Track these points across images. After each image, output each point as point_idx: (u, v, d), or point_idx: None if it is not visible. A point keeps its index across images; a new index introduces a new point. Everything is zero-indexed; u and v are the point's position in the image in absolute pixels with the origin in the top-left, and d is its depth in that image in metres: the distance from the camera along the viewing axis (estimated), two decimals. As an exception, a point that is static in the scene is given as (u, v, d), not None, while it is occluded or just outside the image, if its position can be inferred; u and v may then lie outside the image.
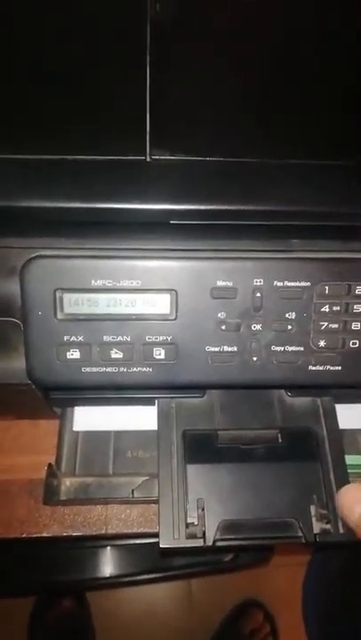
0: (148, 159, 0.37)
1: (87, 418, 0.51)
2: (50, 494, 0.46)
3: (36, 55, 0.41)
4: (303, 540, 0.43)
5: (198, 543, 0.42)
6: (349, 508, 0.39)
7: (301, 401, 0.49)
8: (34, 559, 0.82)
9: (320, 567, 1.10)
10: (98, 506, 0.50)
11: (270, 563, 1.07)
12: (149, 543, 0.72)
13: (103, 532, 0.50)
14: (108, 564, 0.84)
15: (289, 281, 0.38)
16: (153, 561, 0.81)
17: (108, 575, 0.84)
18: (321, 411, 0.49)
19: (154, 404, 0.48)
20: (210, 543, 0.42)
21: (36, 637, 1.05)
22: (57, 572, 0.84)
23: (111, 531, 0.50)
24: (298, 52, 0.45)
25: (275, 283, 0.38)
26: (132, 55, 0.42)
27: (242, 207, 0.37)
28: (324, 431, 0.48)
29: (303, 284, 0.38)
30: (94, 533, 0.49)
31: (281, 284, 0.38)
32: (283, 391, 0.49)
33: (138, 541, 0.76)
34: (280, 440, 0.47)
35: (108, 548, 0.84)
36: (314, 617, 1.07)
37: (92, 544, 0.81)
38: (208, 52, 0.43)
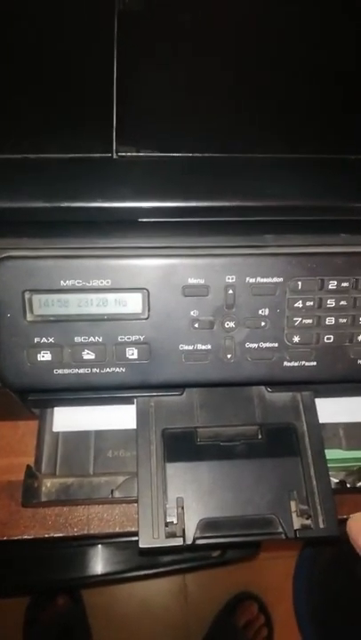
0: (114, 156, 0.36)
1: (67, 418, 0.51)
2: (28, 496, 0.45)
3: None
4: (283, 537, 0.43)
5: (178, 542, 0.42)
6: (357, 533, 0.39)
7: (281, 396, 0.49)
8: (26, 559, 0.82)
9: (309, 561, 1.11)
10: (80, 506, 0.50)
11: (262, 555, 1.08)
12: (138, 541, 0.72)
13: (85, 532, 0.49)
14: (99, 562, 0.84)
15: (261, 277, 0.38)
16: (143, 558, 0.82)
17: (100, 573, 0.84)
18: (301, 406, 0.49)
19: (133, 403, 0.48)
20: (190, 542, 0.42)
21: (31, 636, 1.05)
22: (50, 572, 0.85)
23: (93, 531, 0.49)
24: (267, 45, 0.44)
25: (247, 279, 0.38)
26: (98, 50, 0.41)
27: (211, 203, 0.36)
28: (305, 426, 0.47)
29: (276, 279, 0.38)
30: (76, 534, 0.49)
31: (253, 280, 0.38)
32: (263, 387, 0.49)
33: (127, 539, 0.76)
34: (260, 436, 0.47)
35: (99, 546, 0.84)
36: (305, 612, 1.08)
37: (83, 543, 0.81)
38: (176, 46, 0.42)
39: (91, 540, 0.80)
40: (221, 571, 1.13)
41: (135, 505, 0.50)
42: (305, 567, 1.11)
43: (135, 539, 0.42)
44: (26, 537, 0.48)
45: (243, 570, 1.15)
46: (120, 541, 0.80)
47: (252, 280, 0.38)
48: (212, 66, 0.41)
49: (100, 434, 0.51)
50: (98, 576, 0.83)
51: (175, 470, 0.45)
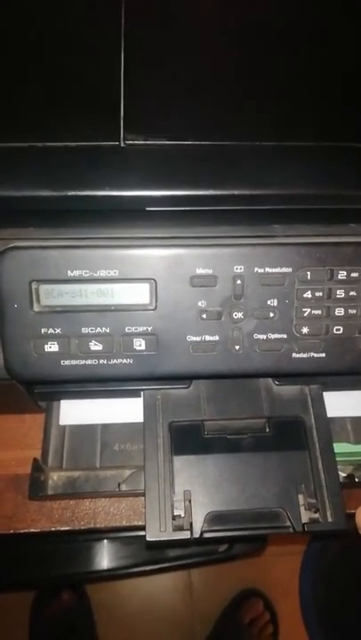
0: (122, 144, 0.36)
1: (74, 411, 0.51)
2: (35, 489, 0.45)
3: (3, 37, 0.40)
4: (291, 530, 0.42)
5: (185, 535, 0.41)
6: None
7: (289, 389, 0.48)
8: (30, 554, 0.82)
9: (315, 556, 1.10)
10: (86, 500, 0.50)
11: (268, 551, 1.07)
12: (144, 535, 0.72)
13: (92, 525, 0.49)
14: (104, 557, 0.84)
15: (270, 267, 0.37)
16: (149, 553, 0.81)
17: (105, 568, 0.84)
18: (309, 399, 0.48)
19: (140, 396, 0.48)
20: (197, 535, 0.42)
21: (36, 631, 1.05)
22: (54, 567, 0.85)
23: (100, 524, 0.49)
24: (274, 31, 0.44)
25: (255, 269, 0.37)
26: (105, 37, 0.40)
27: (219, 192, 0.36)
28: (312, 419, 0.47)
29: (285, 269, 0.37)
30: (83, 527, 0.49)
31: (262, 270, 0.37)
32: (270, 380, 0.49)
33: (133, 534, 0.76)
34: (268, 429, 0.46)
35: (105, 541, 0.83)
36: (311, 609, 1.07)
37: (88, 537, 0.81)
38: (183, 33, 0.42)
39: (96, 534, 0.80)
40: (227, 567, 1.13)
41: (142, 499, 0.50)
42: (311, 562, 1.11)
43: (142, 533, 0.42)
44: (32, 530, 0.48)
45: (248, 566, 1.15)
46: (126, 536, 0.79)
47: (260, 270, 0.37)
48: (220, 53, 0.41)
49: (106, 427, 0.51)
50: (103, 571, 0.83)
51: (182, 463, 0.44)
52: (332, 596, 1.03)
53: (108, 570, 0.83)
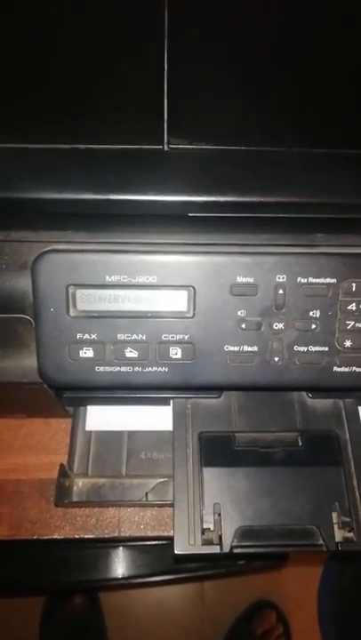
0: (165, 148, 0.35)
1: (100, 417, 0.50)
2: (62, 495, 0.44)
3: (50, 39, 0.39)
4: (325, 549, 0.41)
5: (215, 550, 0.40)
6: None
7: (323, 403, 0.47)
8: (45, 559, 0.81)
9: (335, 573, 1.08)
10: (111, 507, 0.49)
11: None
12: (162, 544, 0.71)
13: (116, 534, 0.48)
14: (120, 565, 0.83)
15: (313, 277, 0.36)
16: (165, 562, 0.80)
17: (120, 576, 0.82)
18: (343, 413, 0.47)
19: (169, 404, 0.47)
20: (227, 550, 0.41)
21: (47, 633, 1.05)
22: (69, 573, 0.84)
23: (124, 533, 0.48)
24: (321, 36, 0.43)
25: (298, 279, 0.36)
26: (149, 39, 0.40)
27: (264, 199, 0.35)
28: (347, 434, 0.46)
29: (328, 280, 0.36)
30: (107, 536, 0.48)
31: (305, 280, 0.36)
32: (303, 392, 0.47)
33: (150, 542, 0.75)
34: (300, 443, 0.45)
35: (121, 548, 0.82)
36: (330, 624, 1.05)
37: (104, 544, 0.80)
38: (229, 35, 0.41)
39: (113, 541, 0.79)
40: (240, 577, 1.11)
41: (167, 509, 0.49)
42: (331, 577, 1.09)
43: (164, 542, 0.41)
44: (56, 537, 0.48)
45: (262, 577, 1.13)
46: (143, 544, 0.78)
47: (303, 280, 0.36)
48: (268, 55, 0.40)
49: (132, 434, 0.50)
50: (117, 579, 0.82)
51: (212, 475, 0.43)
52: (353, 613, 1.00)
53: (123, 578, 0.81)
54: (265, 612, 1.12)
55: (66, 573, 0.82)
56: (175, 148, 0.35)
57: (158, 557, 0.79)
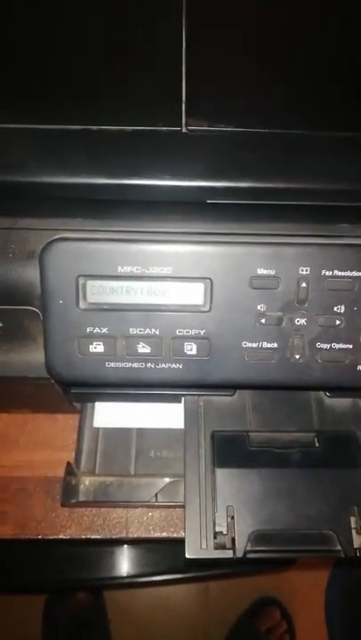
0: (183, 130, 0.33)
1: (108, 414, 0.48)
2: (68, 495, 0.43)
3: (66, 17, 0.37)
4: (342, 555, 0.40)
5: (228, 554, 0.39)
6: None
7: (341, 402, 0.45)
8: (48, 556, 0.80)
9: (344, 574, 1.07)
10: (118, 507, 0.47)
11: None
12: (167, 543, 0.69)
13: (124, 535, 0.47)
14: (125, 563, 0.82)
15: (338, 270, 0.34)
16: (171, 561, 0.79)
17: (124, 574, 0.81)
18: (363, 413, 0.45)
19: (180, 402, 0.45)
20: (240, 555, 0.39)
21: (50, 630, 1.04)
22: (72, 570, 0.82)
23: (132, 534, 0.47)
24: (348, 13, 0.40)
25: (322, 272, 0.34)
26: (167, 17, 0.37)
27: (287, 185, 0.33)
28: (366, 435, 0.44)
29: (355, 273, 0.34)
30: (115, 537, 0.46)
31: (329, 273, 0.34)
32: (321, 391, 0.45)
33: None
34: (317, 444, 0.44)
35: (125, 546, 0.81)
36: (337, 624, 1.04)
37: (109, 543, 0.79)
38: (248, 15, 0.39)
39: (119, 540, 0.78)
40: (246, 576, 1.10)
41: (177, 510, 0.47)
42: (340, 577, 1.07)
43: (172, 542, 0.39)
44: (62, 537, 0.46)
45: (267, 575, 1.12)
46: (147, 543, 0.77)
47: (328, 273, 0.34)
48: (292, 34, 0.37)
49: (141, 432, 0.49)
50: (123, 578, 0.80)
51: (225, 476, 0.42)
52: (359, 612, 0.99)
53: (127, 577, 0.80)
54: (269, 608, 1.11)
55: (69, 571, 0.80)
56: (194, 130, 0.33)
57: (164, 556, 0.78)
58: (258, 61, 0.37)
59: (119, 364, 0.35)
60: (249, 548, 0.39)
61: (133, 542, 0.78)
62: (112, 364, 0.35)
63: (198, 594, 1.15)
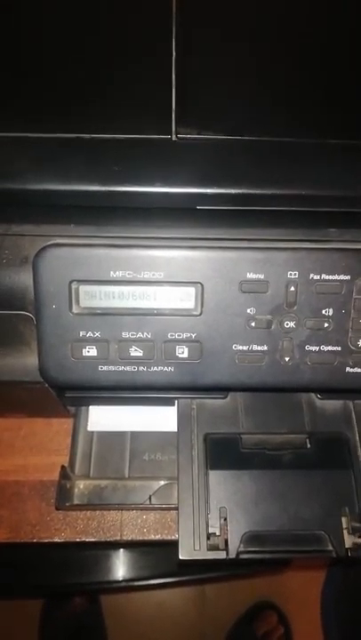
0: (173, 138, 0.34)
1: (102, 417, 0.48)
2: (63, 498, 0.43)
3: (56, 26, 0.38)
4: (334, 555, 0.40)
5: (220, 555, 0.39)
6: None
7: (332, 404, 0.46)
8: (44, 560, 0.80)
9: (340, 574, 1.07)
10: (112, 510, 0.47)
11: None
12: (163, 547, 0.69)
13: (118, 538, 0.47)
14: (120, 567, 0.82)
15: (326, 274, 0.35)
16: (166, 565, 0.79)
17: (120, 578, 0.81)
18: (353, 415, 0.45)
19: (173, 405, 0.45)
20: (233, 555, 0.39)
21: (47, 634, 1.04)
22: (68, 575, 0.82)
23: (127, 537, 0.47)
24: (337, 21, 0.41)
25: (311, 276, 0.35)
26: (157, 26, 0.38)
27: (275, 191, 0.33)
28: (357, 437, 0.45)
29: (342, 277, 0.35)
30: (109, 540, 0.47)
31: (318, 277, 0.35)
32: (312, 393, 0.46)
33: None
34: (309, 445, 0.44)
35: (121, 550, 0.81)
36: (334, 624, 1.04)
37: (105, 546, 0.79)
38: (238, 22, 0.39)
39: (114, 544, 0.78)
40: (242, 579, 1.10)
41: (171, 512, 0.47)
42: (336, 578, 1.08)
43: (166, 544, 0.40)
44: (56, 540, 0.46)
45: (263, 578, 1.12)
46: (143, 547, 0.77)
47: (316, 277, 0.35)
48: (283, 40, 0.38)
49: (135, 435, 0.49)
50: (119, 582, 0.80)
51: (218, 478, 0.42)
52: (357, 616, 0.99)
53: (123, 580, 0.80)
54: (266, 613, 1.11)
55: (66, 575, 0.80)
56: (184, 138, 0.34)
57: (160, 560, 0.78)
58: (247, 70, 0.38)
59: (112, 368, 0.36)
60: (242, 548, 0.40)
61: (128, 545, 0.78)
62: (105, 368, 0.36)
63: (194, 598, 1.15)
